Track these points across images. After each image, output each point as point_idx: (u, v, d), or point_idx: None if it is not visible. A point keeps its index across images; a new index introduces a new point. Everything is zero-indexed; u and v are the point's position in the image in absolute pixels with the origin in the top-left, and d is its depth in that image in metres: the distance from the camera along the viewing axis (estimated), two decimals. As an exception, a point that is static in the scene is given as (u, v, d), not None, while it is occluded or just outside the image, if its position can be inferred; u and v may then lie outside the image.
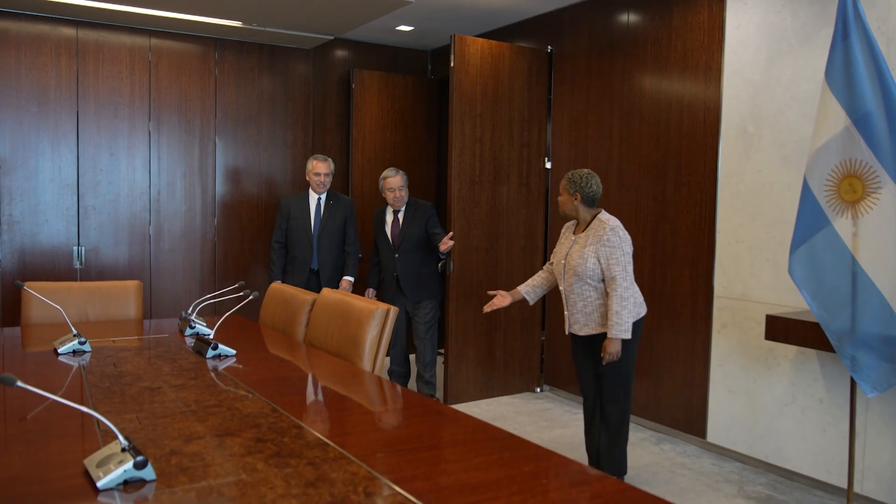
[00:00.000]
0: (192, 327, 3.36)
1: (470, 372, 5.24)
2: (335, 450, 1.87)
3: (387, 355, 4.06)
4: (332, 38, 6.15)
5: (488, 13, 5.48)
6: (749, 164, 4.02)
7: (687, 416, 4.42)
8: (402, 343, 5.12)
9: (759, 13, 3.96)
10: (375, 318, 3.04)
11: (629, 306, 3.44)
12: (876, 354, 3.04)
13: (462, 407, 5.01)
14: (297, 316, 3.55)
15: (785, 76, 3.83)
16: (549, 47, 5.43)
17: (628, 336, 3.43)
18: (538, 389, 5.53)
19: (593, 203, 3.60)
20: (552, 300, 5.44)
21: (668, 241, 4.53)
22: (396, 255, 4.97)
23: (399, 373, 5.16)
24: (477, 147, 5.16)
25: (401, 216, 5.03)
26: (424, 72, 6.90)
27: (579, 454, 4.15)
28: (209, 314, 4.07)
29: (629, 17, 4.78)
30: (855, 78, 3.03)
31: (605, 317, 3.52)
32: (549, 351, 5.51)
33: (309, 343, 3.39)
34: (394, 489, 1.63)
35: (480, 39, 5.18)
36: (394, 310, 3.09)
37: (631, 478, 3.77)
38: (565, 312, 3.67)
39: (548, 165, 5.46)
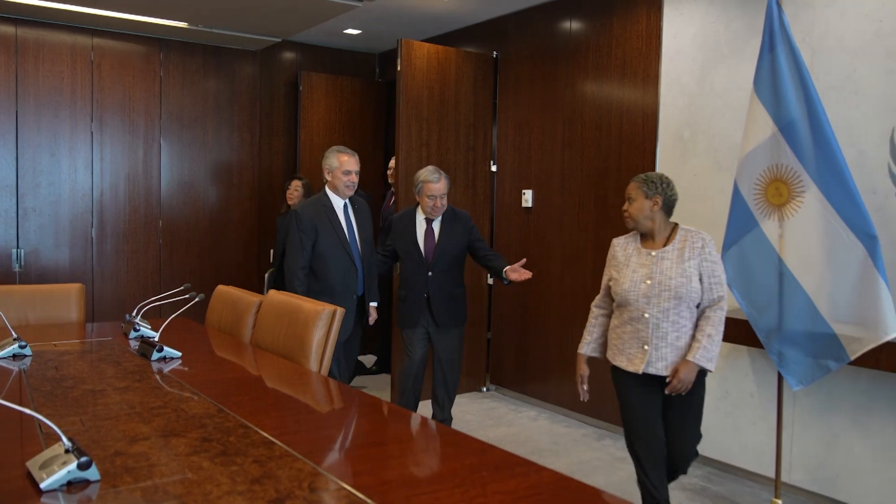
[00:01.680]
0: (136, 330, 3.34)
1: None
2: (281, 448, 1.90)
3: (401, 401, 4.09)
4: (279, 40, 6.14)
5: (435, 18, 5.56)
6: (685, 168, 4.17)
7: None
8: (417, 385, 4.25)
9: (695, 23, 4.12)
10: (322, 319, 3.07)
11: (721, 335, 2.92)
12: (801, 350, 3.21)
13: (410, 407, 5.06)
14: (244, 318, 3.56)
15: (718, 84, 3.99)
16: (495, 53, 5.53)
17: (712, 367, 2.88)
18: (484, 389, 5.62)
19: (671, 211, 3.08)
20: (498, 300, 5.54)
21: (609, 242, 4.65)
22: (430, 274, 4.10)
23: None
24: (423, 150, 5.22)
25: (436, 227, 4.15)
26: (372, 74, 6.94)
27: (524, 451, 4.24)
28: (154, 317, 4.04)
29: (572, 25, 4.91)
30: (781, 87, 3.19)
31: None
32: (495, 351, 5.61)
33: (255, 345, 3.40)
34: (338, 484, 1.67)
35: (427, 44, 5.25)
36: (340, 311, 3.13)
37: (573, 472, 3.88)
38: (645, 347, 2.94)
39: (493, 169, 5.56)
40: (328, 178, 3.96)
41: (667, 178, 3.06)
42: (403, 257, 4.18)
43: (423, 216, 4.15)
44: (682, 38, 4.19)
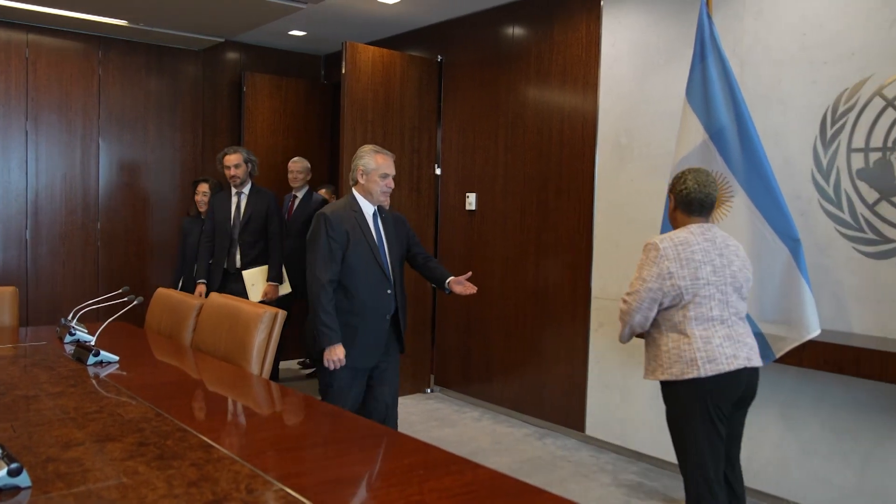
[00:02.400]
0: (72, 334, 3.28)
1: (362, 374, 5.30)
2: (219, 451, 1.91)
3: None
4: (222, 40, 6.09)
5: (381, 21, 5.58)
6: (622, 173, 4.29)
7: (567, 411, 4.65)
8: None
9: (632, 32, 4.24)
10: (263, 321, 3.07)
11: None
12: (730, 349, 3.33)
13: (354, 409, 5.07)
14: (184, 321, 3.53)
15: (654, 92, 4.12)
16: (440, 57, 5.58)
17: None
18: (429, 390, 5.67)
19: (692, 208, 2.78)
20: (442, 302, 5.60)
21: (550, 245, 4.76)
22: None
23: None
24: (368, 153, 5.23)
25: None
26: (317, 76, 6.92)
27: (466, 450, 4.30)
28: (92, 320, 3.97)
29: (514, 31, 4.99)
30: (711, 96, 3.32)
31: None
32: (439, 352, 5.66)
33: (196, 348, 3.38)
34: (276, 485, 1.69)
35: (372, 47, 5.27)
36: (282, 313, 3.13)
37: (514, 471, 3.95)
38: (736, 345, 2.70)
39: (437, 172, 5.61)
40: (360, 180, 3.37)
41: (685, 172, 2.80)
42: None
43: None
44: (620, 46, 4.30)
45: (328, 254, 3.22)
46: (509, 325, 5.06)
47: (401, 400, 5.40)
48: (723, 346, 2.66)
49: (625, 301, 2.77)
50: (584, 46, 4.52)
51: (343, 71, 5.11)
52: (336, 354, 3.19)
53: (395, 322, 3.45)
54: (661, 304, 2.72)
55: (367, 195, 3.39)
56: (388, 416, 3.49)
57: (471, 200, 5.31)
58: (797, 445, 3.55)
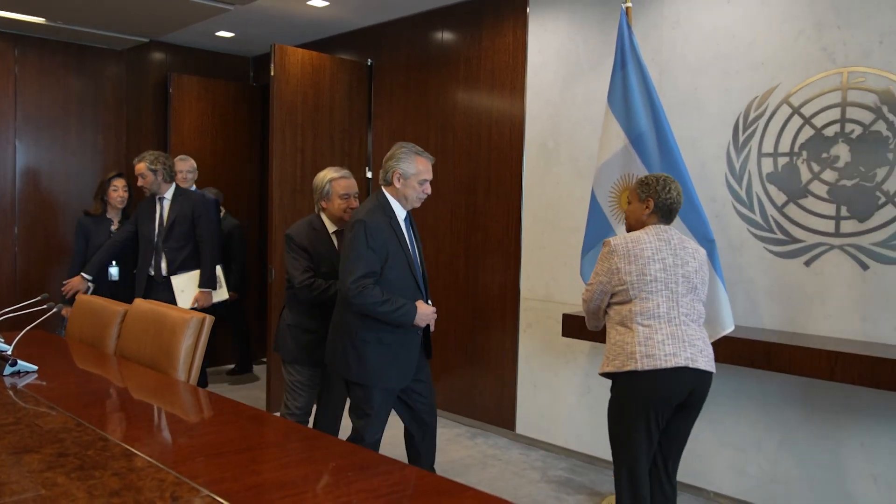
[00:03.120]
0: (-13, 344, 3.16)
1: (294, 379, 5.26)
2: (143, 459, 1.89)
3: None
4: (146, 40, 5.95)
5: (310, 24, 5.56)
6: (549, 176, 4.39)
7: (498, 410, 4.73)
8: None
9: (557, 39, 4.35)
10: (190, 327, 3.03)
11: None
12: (651, 346, 3.46)
13: (286, 414, 5.02)
14: (108, 328, 3.45)
15: (578, 98, 4.23)
16: (370, 60, 5.60)
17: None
18: (362, 393, 5.66)
19: (670, 215, 2.89)
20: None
21: (480, 248, 4.83)
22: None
23: None
24: (298, 156, 5.21)
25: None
26: (246, 78, 6.84)
27: (398, 452, 4.30)
28: (8, 329, 3.83)
29: (443, 36, 5.05)
30: (631, 102, 3.44)
31: None
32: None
33: (121, 355, 3.30)
34: (202, 492, 1.69)
35: (301, 50, 5.25)
36: (209, 318, 3.10)
37: (445, 471, 4.00)
38: (680, 344, 2.71)
39: (368, 175, 5.62)
40: (396, 184, 3.10)
41: (666, 179, 2.86)
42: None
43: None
44: (546, 52, 4.41)
45: (364, 255, 2.97)
46: (440, 327, 5.10)
47: (333, 404, 5.39)
48: (664, 344, 2.68)
49: (583, 294, 2.96)
50: (512, 52, 4.61)
51: (272, 73, 5.07)
52: (425, 310, 3.06)
53: (427, 337, 3.28)
54: (612, 298, 2.83)
55: (402, 199, 3.12)
56: (430, 434, 3.38)
57: (402, 203, 5.34)
58: (714, 437, 3.71)
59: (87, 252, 4.85)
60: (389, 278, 3.02)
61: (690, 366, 2.69)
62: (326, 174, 3.41)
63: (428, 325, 3.17)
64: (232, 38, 6.10)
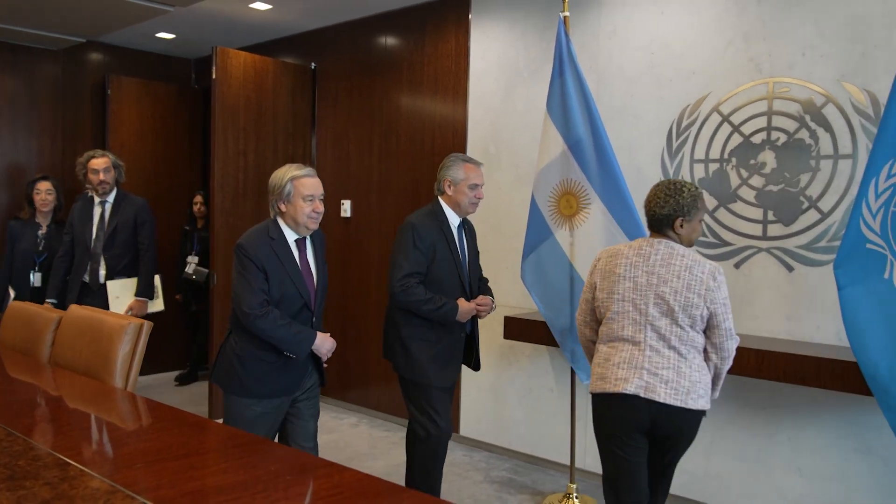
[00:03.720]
0: (-87, 353, 3.05)
1: (237, 385, 5.21)
2: (76, 468, 1.86)
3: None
4: (83, 40, 5.82)
5: (253, 26, 5.52)
6: (491, 181, 4.45)
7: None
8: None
9: (498, 46, 4.42)
10: (128, 333, 2.98)
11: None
12: (589, 347, 3.54)
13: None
14: (42, 335, 3.37)
15: (519, 104, 4.31)
16: (313, 64, 5.59)
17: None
18: (306, 398, 5.64)
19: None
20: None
21: (424, 251, 4.86)
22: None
23: None
24: (241, 159, 5.17)
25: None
26: (188, 80, 6.74)
27: (343, 456, 4.33)
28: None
29: (387, 40, 5.07)
30: (569, 109, 3.52)
31: None
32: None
33: (55, 363, 3.23)
34: (137, 499, 1.68)
35: (244, 53, 5.21)
36: (147, 324, 3.06)
37: (389, 474, 4.02)
38: (635, 371, 2.55)
39: (313, 179, 5.60)
40: (448, 191, 3.28)
41: (658, 184, 2.69)
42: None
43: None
44: (488, 59, 4.47)
45: (411, 254, 3.16)
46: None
47: (277, 409, 5.35)
48: (618, 367, 2.54)
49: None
50: (454, 58, 4.66)
51: (213, 76, 5.02)
52: (466, 306, 3.20)
53: (469, 341, 3.40)
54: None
55: (455, 206, 3.29)
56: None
57: (346, 207, 5.35)
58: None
59: (13, 257, 4.73)
60: (437, 278, 3.20)
61: (642, 395, 2.49)
62: (287, 172, 2.90)
63: (476, 334, 3.39)
64: (173, 39, 6.01)
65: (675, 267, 2.53)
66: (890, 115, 2.64)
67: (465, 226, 3.39)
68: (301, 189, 2.82)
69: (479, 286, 3.45)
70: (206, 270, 5.61)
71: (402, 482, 3.87)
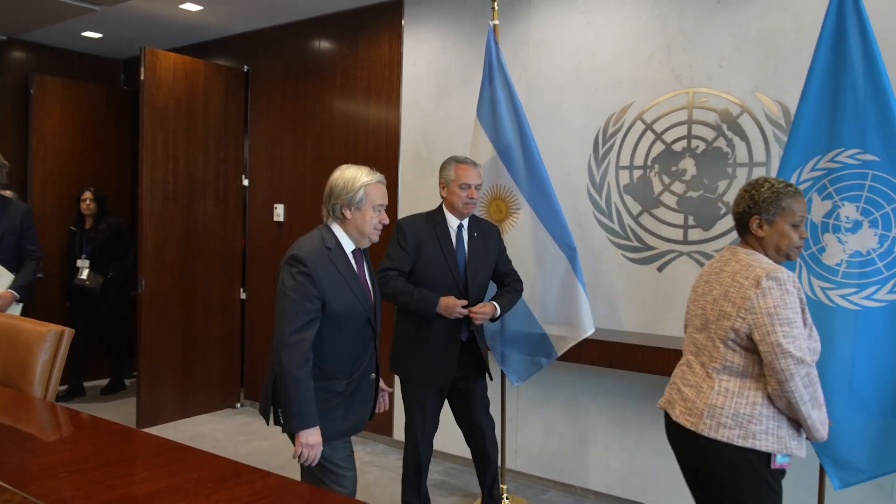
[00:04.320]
0: None
1: (166, 393, 5.11)
2: (-13, 479, 1.82)
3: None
4: (5, 38, 5.63)
5: (183, 27, 5.43)
6: (423, 186, 4.49)
7: (377, 417, 4.75)
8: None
9: (431, 53, 4.46)
10: (48, 340, 2.90)
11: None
12: (518, 349, 3.62)
13: (157, 429, 4.88)
14: (-44, 344, 3.24)
15: (451, 110, 4.36)
16: (246, 67, 5.53)
17: None
18: (238, 405, 5.56)
19: (744, 225, 2.34)
20: (251, 313, 5.53)
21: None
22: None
23: None
24: (170, 163, 5.08)
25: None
26: (116, 81, 6.58)
27: (276, 463, 4.29)
28: None
29: (321, 44, 5.06)
30: (498, 116, 3.59)
31: None
32: (250, 365, 5.58)
33: (-31, 373, 3.12)
34: (50, 510, 1.65)
35: (173, 54, 5.12)
36: (69, 331, 2.98)
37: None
38: (670, 387, 2.48)
39: (245, 183, 5.54)
40: (443, 193, 3.30)
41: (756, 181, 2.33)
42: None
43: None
44: (420, 65, 4.51)
45: (393, 253, 3.24)
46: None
47: (209, 416, 5.28)
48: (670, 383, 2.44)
49: None
50: (387, 64, 4.68)
51: (142, 77, 4.92)
52: (449, 301, 3.15)
53: (473, 349, 3.33)
54: None
55: (451, 208, 3.28)
56: (484, 436, 3.48)
57: (279, 212, 5.31)
58: (579, 434, 3.90)
59: None
60: (428, 277, 3.21)
61: (668, 410, 2.38)
62: (358, 175, 2.56)
63: (476, 340, 3.31)
64: (100, 39, 5.86)
65: (724, 274, 2.26)
66: (798, 125, 2.78)
67: (478, 228, 3.34)
68: (373, 197, 2.56)
69: (490, 290, 3.40)
70: (102, 278, 5.44)
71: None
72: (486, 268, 3.33)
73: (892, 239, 2.62)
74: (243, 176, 5.54)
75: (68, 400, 5.56)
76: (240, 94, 5.51)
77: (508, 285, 3.38)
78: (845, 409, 2.67)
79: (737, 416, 2.17)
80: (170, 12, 5.05)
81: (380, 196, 2.59)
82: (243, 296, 5.55)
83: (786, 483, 3.29)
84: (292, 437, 2.54)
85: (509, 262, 3.44)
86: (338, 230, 2.57)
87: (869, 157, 2.64)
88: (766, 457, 2.17)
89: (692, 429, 2.23)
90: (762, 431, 2.15)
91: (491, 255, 3.34)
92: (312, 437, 2.46)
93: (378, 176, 2.62)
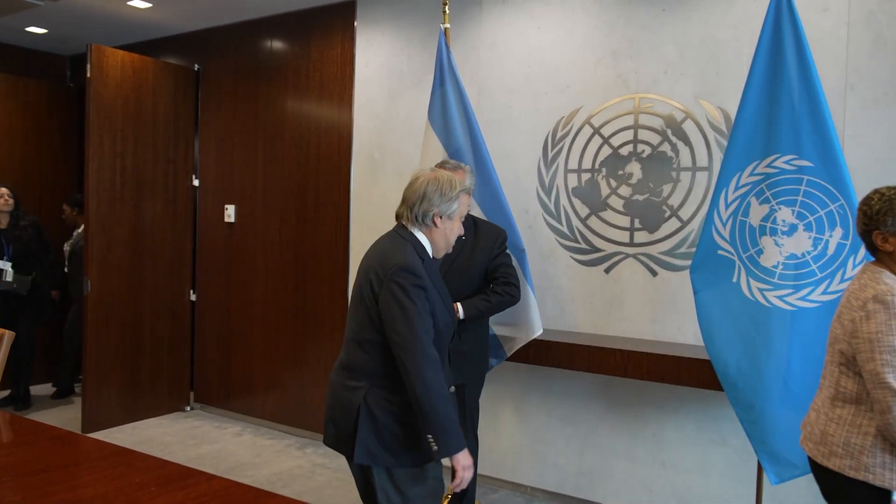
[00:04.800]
0: None
1: (112, 396, 5.01)
2: (-80, 486, 1.78)
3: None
4: (-58, 32, 5.47)
5: (132, 24, 5.34)
6: (376, 187, 4.50)
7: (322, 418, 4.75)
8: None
9: (383, 55, 4.47)
10: (-14, 345, 2.84)
11: None
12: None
13: (103, 434, 4.78)
14: None
15: (403, 111, 4.37)
16: (197, 66, 5.46)
17: None
18: (188, 408, 5.49)
19: (868, 240, 2.13)
20: (202, 317, 5.46)
21: (309, 256, 4.85)
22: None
23: None
24: (118, 162, 4.99)
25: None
26: (63, 78, 6.44)
27: (225, 467, 4.25)
28: None
29: (273, 44, 5.03)
30: (449, 118, 3.62)
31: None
32: (199, 368, 5.51)
33: None
34: (-15, 516, 1.62)
35: (121, 52, 5.03)
36: (9, 334, 2.92)
37: (271, 482, 3.98)
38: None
39: (195, 183, 5.47)
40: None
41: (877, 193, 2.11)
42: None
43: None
44: (372, 67, 4.51)
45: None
46: (270, 337, 5.06)
47: (157, 420, 5.20)
48: None
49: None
50: (340, 65, 4.68)
51: (88, 75, 4.83)
52: None
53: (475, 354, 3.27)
54: None
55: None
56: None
57: (230, 212, 5.25)
58: (528, 434, 3.96)
59: None
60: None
61: (802, 441, 2.27)
62: (455, 181, 2.36)
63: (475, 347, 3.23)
64: (45, 34, 5.73)
65: (846, 294, 2.13)
66: (737, 131, 2.87)
67: (475, 231, 3.22)
68: (463, 207, 2.39)
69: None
70: (28, 278, 5.23)
71: (286, 490, 3.86)
72: (470, 271, 3.19)
73: (825, 242, 2.73)
74: (193, 176, 5.47)
75: (6, 406, 5.38)
76: (190, 94, 5.44)
77: (493, 289, 3.21)
78: (781, 406, 2.77)
79: (847, 445, 2.05)
80: (118, 9, 4.96)
81: (466, 205, 2.48)
82: (193, 297, 5.48)
83: (727, 477, 3.39)
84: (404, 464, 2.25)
85: (506, 266, 3.25)
86: (423, 238, 2.33)
87: (804, 162, 2.74)
88: (883, 494, 2.00)
89: (809, 455, 2.18)
90: (876, 465, 1.99)
91: (478, 258, 3.20)
92: (468, 458, 2.24)
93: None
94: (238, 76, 5.23)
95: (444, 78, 3.65)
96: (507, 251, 3.31)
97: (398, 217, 2.41)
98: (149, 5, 4.88)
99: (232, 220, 5.25)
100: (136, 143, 5.10)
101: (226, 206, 5.28)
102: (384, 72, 4.46)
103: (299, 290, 4.91)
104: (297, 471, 4.25)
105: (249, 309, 5.17)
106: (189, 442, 4.75)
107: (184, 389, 5.48)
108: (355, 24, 4.58)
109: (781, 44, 2.77)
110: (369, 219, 4.54)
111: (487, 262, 3.21)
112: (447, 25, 3.70)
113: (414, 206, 2.33)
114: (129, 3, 4.82)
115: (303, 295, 4.88)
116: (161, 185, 5.27)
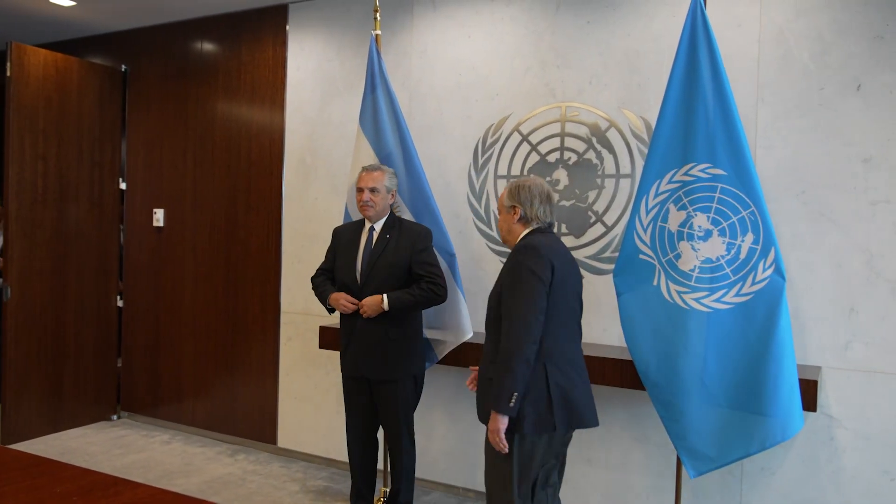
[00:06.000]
0: None
1: (33, 406, 4.86)
2: None
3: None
4: None
5: (55, 23, 5.19)
6: (308, 191, 4.49)
7: (260, 425, 4.72)
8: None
9: (315, 59, 4.47)
10: None
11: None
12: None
13: (24, 445, 4.63)
14: None
15: (335, 116, 4.38)
16: (124, 66, 5.34)
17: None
18: (115, 417, 5.36)
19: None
20: (129, 323, 5.34)
21: (240, 261, 4.80)
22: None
23: None
24: (40, 164, 4.84)
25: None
26: (-20, 76, 6.20)
27: (154, 475, 4.17)
28: None
29: (203, 46, 4.97)
30: (380, 123, 3.66)
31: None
32: (126, 376, 5.38)
33: None
34: None
35: (44, 50, 4.89)
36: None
37: (202, 490, 3.92)
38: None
39: (123, 186, 5.35)
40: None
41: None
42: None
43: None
44: (304, 71, 4.51)
45: (325, 260, 3.59)
46: (200, 343, 4.99)
47: (82, 430, 5.07)
48: None
49: None
50: (272, 68, 4.65)
51: (8, 74, 4.67)
52: (336, 296, 3.38)
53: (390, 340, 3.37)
54: None
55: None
56: (392, 436, 3.50)
57: (159, 216, 5.16)
58: (459, 437, 4.01)
59: None
60: (337, 276, 3.48)
61: None
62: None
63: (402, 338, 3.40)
64: (-39, 31, 5.52)
65: None
66: (656, 141, 2.99)
67: (397, 230, 3.39)
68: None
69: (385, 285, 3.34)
70: None
71: (216, 497, 3.82)
72: (393, 268, 3.32)
73: (738, 246, 2.87)
74: (120, 179, 5.35)
75: None
76: (117, 95, 5.32)
77: (418, 285, 3.31)
78: (698, 403, 2.90)
79: None
80: (40, 6, 4.82)
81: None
82: (120, 304, 5.35)
83: (649, 472, 3.52)
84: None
85: (428, 264, 3.35)
86: None
87: (718, 171, 2.88)
88: None
89: None
90: None
91: (401, 256, 3.33)
92: (496, 423, 2.55)
93: None
94: (167, 78, 5.15)
95: (375, 83, 3.68)
96: (434, 251, 3.44)
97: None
98: (72, 3, 4.75)
99: (161, 224, 5.16)
100: (59, 144, 4.96)
101: (154, 210, 5.18)
102: (316, 76, 4.47)
103: (230, 295, 4.86)
104: (228, 478, 4.21)
105: (178, 314, 5.09)
106: (115, 451, 4.64)
107: (110, 398, 5.35)
108: (287, 28, 4.57)
109: (697, 58, 2.90)
110: (302, 223, 4.53)
111: (410, 257, 3.35)
112: (378, 32, 3.74)
113: (527, 205, 2.72)
114: (51, 0, 4.69)
115: (233, 299, 4.83)
116: (86, 188, 5.13)
